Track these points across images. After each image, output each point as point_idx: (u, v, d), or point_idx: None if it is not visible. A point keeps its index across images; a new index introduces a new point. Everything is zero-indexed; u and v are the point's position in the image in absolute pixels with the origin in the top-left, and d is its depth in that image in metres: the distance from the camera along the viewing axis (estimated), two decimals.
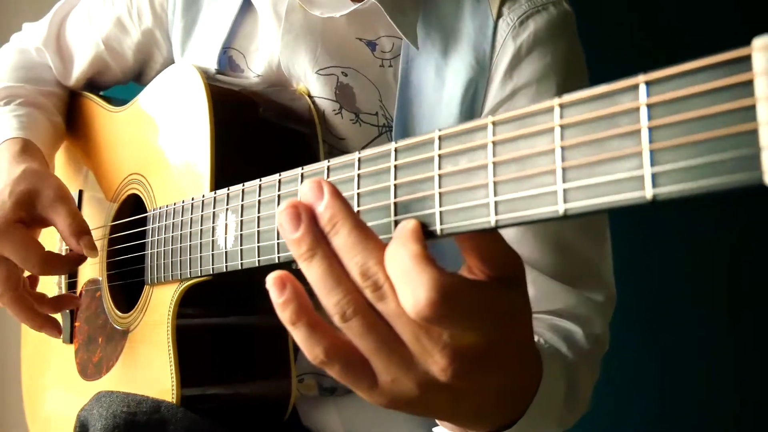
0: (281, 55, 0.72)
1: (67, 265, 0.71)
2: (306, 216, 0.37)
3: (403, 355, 0.36)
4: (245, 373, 0.67)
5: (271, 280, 0.37)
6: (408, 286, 0.34)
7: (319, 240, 0.36)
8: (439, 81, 0.69)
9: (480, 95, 0.69)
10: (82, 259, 0.71)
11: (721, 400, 1.40)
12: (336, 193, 0.37)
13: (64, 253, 0.79)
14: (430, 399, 0.38)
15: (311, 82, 0.72)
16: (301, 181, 0.47)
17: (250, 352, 0.68)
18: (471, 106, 0.69)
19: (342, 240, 0.36)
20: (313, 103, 0.72)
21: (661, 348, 1.46)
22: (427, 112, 0.70)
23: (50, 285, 0.87)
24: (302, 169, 0.48)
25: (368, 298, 0.36)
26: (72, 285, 0.84)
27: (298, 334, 0.37)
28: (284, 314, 0.37)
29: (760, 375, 1.39)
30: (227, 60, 0.78)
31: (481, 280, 0.38)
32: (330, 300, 0.36)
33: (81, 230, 0.70)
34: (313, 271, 0.37)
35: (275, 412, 0.69)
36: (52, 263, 0.69)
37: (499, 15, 0.69)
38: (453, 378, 0.36)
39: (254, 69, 0.77)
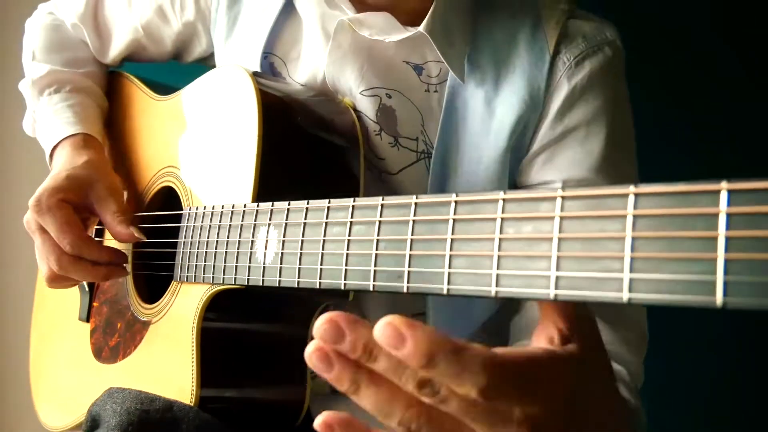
0: (327, 71, 0.72)
1: (103, 252, 0.71)
2: (334, 354, 0.36)
3: None
4: (263, 379, 0.68)
5: (318, 427, 0.37)
6: (458, 380, 0.33)
7: (358, 371, 0.36)
8: (488, 112, 0.69)
9: (529, 130, 0.69)
10: (118, 257, 0.73)
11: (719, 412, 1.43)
12: (353, 324, 0.35)
13: None
14: None
15: (355, 101, 0.73)
16: (352, 213, 0.48)
17: (270, 359, 0.69)
18: (520, 140, 0.69)
19: (384, 364, 0.35)
20: (359, 117, 0.72)
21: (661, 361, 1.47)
22: (472, 141, 0.70)
23: None
24: (354, 200, 0.48)
25: (430, 403, 0.35)
26: None
27: None
28: None
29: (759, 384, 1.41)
30: (268, 66, 0.78)
31: (534, 352, 0.37)
32: (392, 421, 0.36)
33: (128, 220, 0.72)
34: (365, 401, 0.36)
35: (288, 417, 0.70)
36: (86, 245, 0.70)
37: (556, 53, 0.69)
38: None
39: (296, 78, 0.77)
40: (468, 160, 0.69)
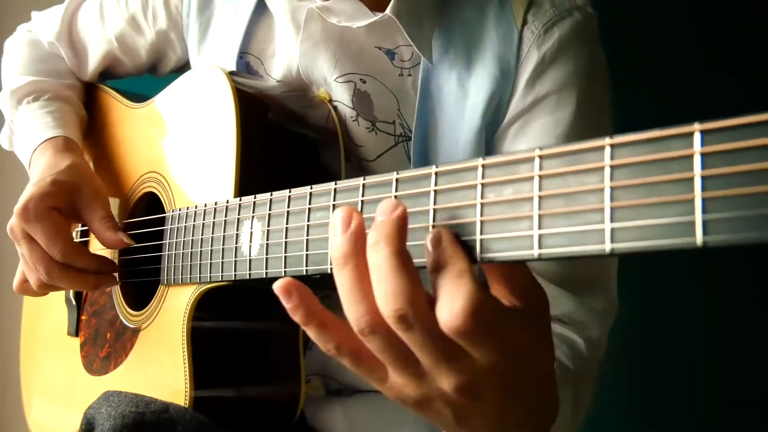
0: (300, 62, 0.72)
1: (92, 260, 0.70)
2: (356, 223, 0.38)
3: (417, 371, 0.39)
4: (257, 377, 0.68)
5: (276, 290, 0.40)
6: (447, 297, 0.35)
7: (358, 251, 0.38)
8: (462, 92, 0.69)
9: (503, 105, 0.69)
10: (107, 265, 0.72)
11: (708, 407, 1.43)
12: (403, 219, 0.37)
13: None
14: (434, 407, 0.40)
15: (330, 89, 0.73)
16: (334, 196, 0.48)
17: (262, 357, 0.68)
18: (494, 116, 0.69)
19: (380, 260, 0.36)
20: (335, 109, 0.72)
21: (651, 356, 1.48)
22: (448, 123, 0.70)
23: None
24: (335, 184, 0.48)
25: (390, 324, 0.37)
26: None
27: (310, 332, 0.40)
28: (295, 317, 0.40)
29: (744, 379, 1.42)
30: (244, 66, 0.78)
31: (509, 308, 0.39)
32: (352, 313, 0.38)
33: (116, 226, 0.71)
34: (342, 280, 0.39)
35: (284, 415, 0.69)
36: (76, 253, 0.69)
37: (524, 23, 0.69)
38: (462, 396, 0.38)
39: (273, 75, 0.77)
40: (446, 142, 0.69)
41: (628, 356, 1.42)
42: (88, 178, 0.74)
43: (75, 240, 0.73)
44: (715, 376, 1.43)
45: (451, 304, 0.35)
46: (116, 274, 0.74)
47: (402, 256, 0.36)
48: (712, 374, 1.43)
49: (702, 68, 1.39)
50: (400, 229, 0.37)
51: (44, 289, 0.71)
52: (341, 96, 0.72)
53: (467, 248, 0.37)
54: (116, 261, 0.77)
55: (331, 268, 0.48)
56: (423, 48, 0.69)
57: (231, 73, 0.68)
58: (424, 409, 0.40)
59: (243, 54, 0.78)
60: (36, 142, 0.79)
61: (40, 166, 0.76)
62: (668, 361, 1.46)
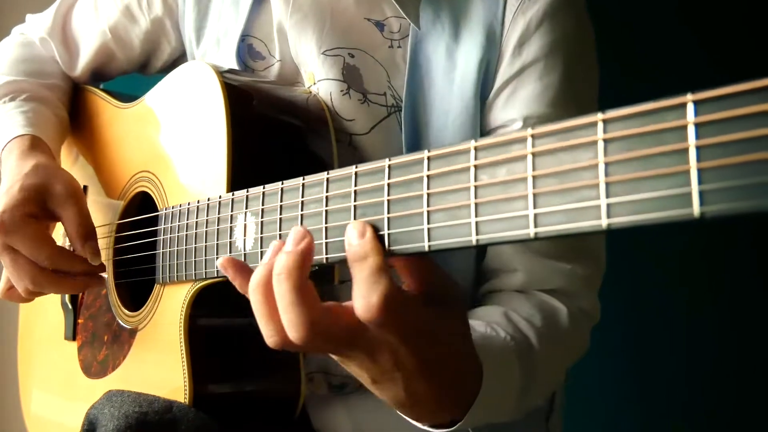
0: (289, 35, 0.73)
1: (78, 262, 0.70)
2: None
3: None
4: (256, 372, 0.67)
5: (218, 264, 0.50)
6: (364, 290, 0.41)
7: (267, 281, 0.45)
8: (450, 64, 0.69)
9: (491, 72, 0.69)
10: (93, 267, 0.71)
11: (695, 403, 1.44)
12: (307, 252, 0.44)
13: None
14: (355, 374, 0.47)
15: (318, 64, 0.72)
16: (327, 187, 0.48)
17: (261, 351, 0.67)
18: (484, 84, 0.69)
19: (282, 292, 0.43)
20: (325, 104, 0.72)
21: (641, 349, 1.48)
22: (438, 95, 0.70)
23: None
24: (327, 173, 0.48)
25: None
26: None
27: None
28: (235, 284, 0.50)
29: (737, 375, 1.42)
30: (246, 48, 0.77)
31: (415, 297, 0.45)
32: (263, 330, 0.47)
33: (87, 234, 0.70)
34: (253, 302, 0.47)
35: (285, 409, 0.69)
36: (62, 258, 0.68)
37: None
38: (368, 372, 0.46)
39: (276, 55, 0.76)
40: (437, 114, 0.69)
41: (626, 350, 1.43)
42: (56, 176, 0.72)
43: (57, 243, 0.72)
44: (714, 372, 1.43)
45: (369, 299, 0.40)
46: (104, 274, 0.73)
47: (301, 290, 0.42)
48: (710, 370, 1.43)
49: (700, 66, 1.38)
50: (303, 262, 0.43)
51: (31, 295, 0.70)
52: (330, 70, 0.72)
53: (383, 242, 0.42)
54: (110, 261, 0.76)
55: (326, 258, 0.48)
56: (410, 13, 0.69)
57: (221, 70, 0.67)
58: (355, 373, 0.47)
59: (245, 36, 0.77)
60: (4, 140, 0.78)
61: (7, 169, 0.74)
62: (666, 355, 1.46)
